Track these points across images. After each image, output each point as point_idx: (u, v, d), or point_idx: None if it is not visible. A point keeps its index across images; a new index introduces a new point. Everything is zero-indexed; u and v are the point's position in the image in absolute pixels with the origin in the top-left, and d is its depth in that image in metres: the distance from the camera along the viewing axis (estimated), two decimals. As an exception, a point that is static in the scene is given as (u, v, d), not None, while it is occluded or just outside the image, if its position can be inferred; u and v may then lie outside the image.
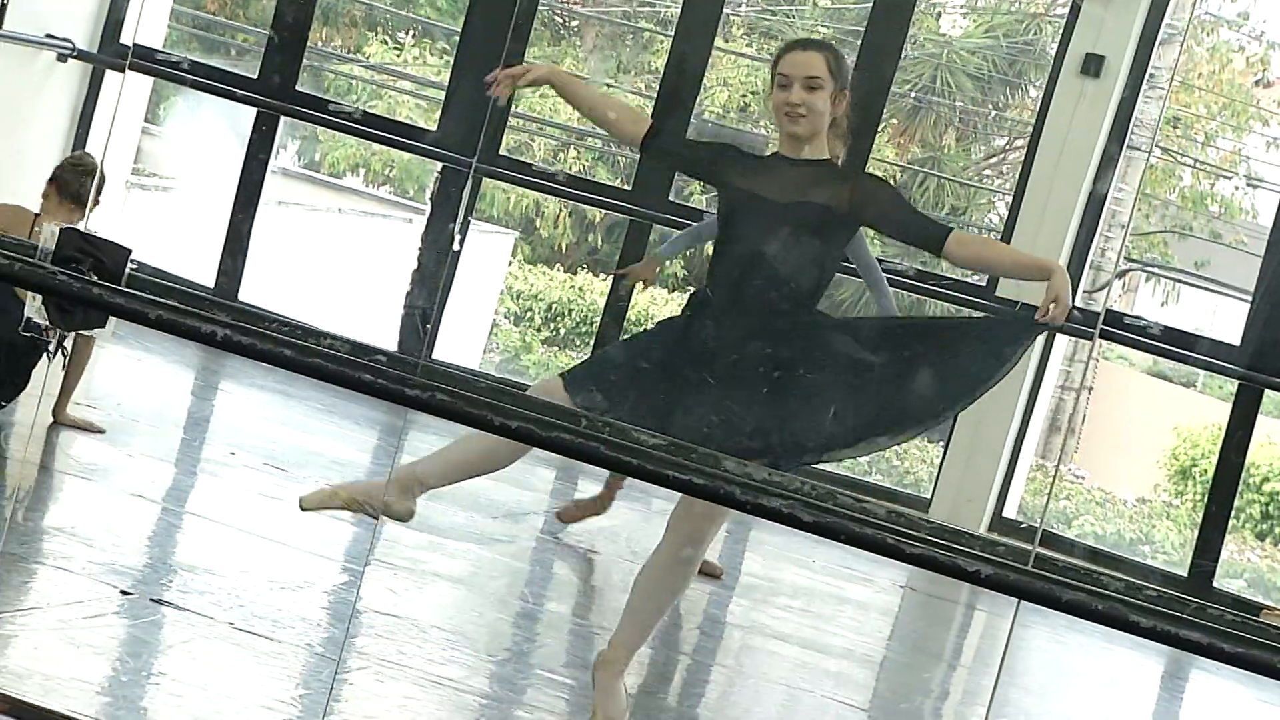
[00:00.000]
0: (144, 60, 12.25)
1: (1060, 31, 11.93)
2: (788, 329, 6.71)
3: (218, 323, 5.11)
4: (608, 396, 6.75)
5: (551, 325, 14.80)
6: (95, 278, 5.12)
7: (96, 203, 9.34)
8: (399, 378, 5.15)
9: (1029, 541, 7.45)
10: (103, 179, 9.37)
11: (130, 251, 5.23)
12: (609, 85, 18.06)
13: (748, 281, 6.70)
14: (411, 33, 18.20)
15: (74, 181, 9.19)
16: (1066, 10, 12.99)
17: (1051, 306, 6.39)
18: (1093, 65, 9.88)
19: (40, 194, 9.32)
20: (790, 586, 9.66)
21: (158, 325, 5.23)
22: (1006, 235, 10.47)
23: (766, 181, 6.71)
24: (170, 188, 13.42)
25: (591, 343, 12.37)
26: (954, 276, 11.57)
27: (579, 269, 16.73)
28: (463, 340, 13.65)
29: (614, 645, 6.86)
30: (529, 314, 15.26)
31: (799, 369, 6.65)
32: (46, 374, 8.91)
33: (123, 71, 12.17)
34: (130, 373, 11.16)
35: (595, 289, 14.95)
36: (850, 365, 6.78)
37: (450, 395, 5.02)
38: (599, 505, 9.73)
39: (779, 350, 6.64)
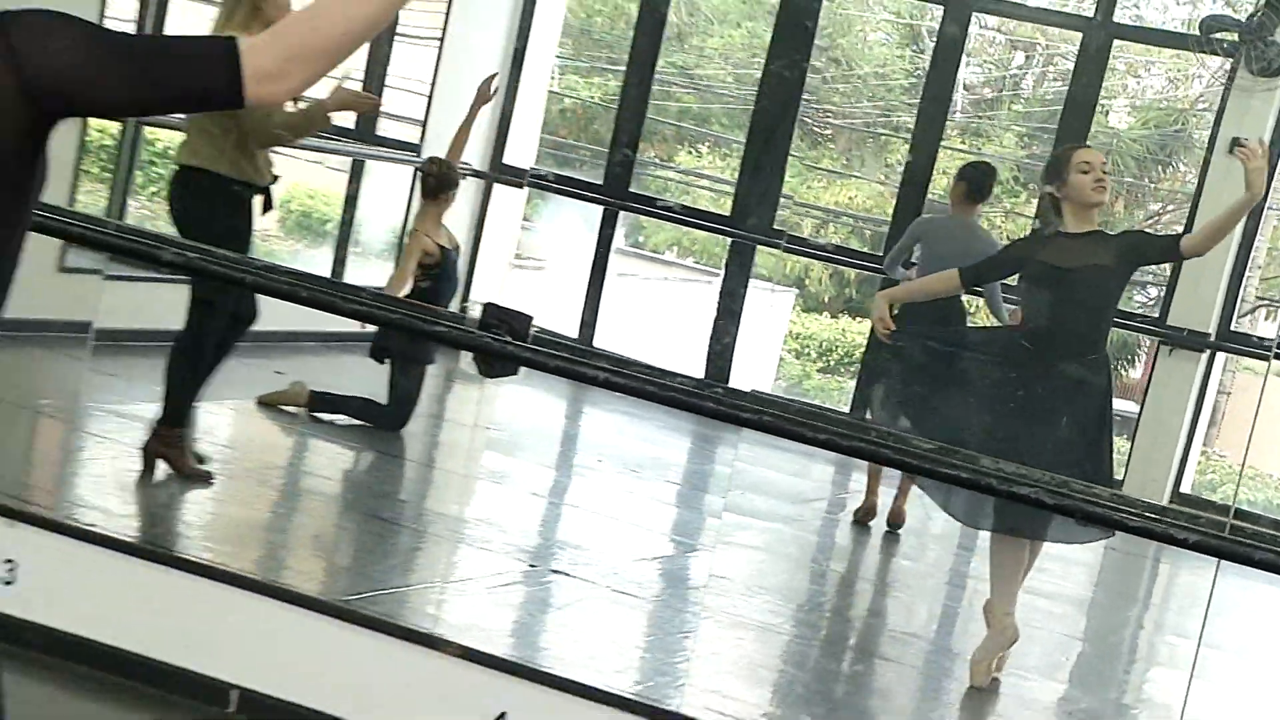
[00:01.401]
0: (514, 174, 12.49)
1: (1211, 120, 11.78)
2: (1073, 361, 6.90)
3: (600, 369, 5.18)
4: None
5: (824, 358, 14.76)
6: (510, 339, 5.21)
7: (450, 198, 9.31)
8: (734, 405, 5.18)
9: (1212, 512, 7.34)
10: (455, 179, 9.38)
11: (532, 318, 5.31)
12: (856, 176, 18.14)
13: (1051, 326, 6.91)
14: (707, 144, 18.27)
15: (430, 179, 9.23)
16: (1206, 107, 12.76)
17: None
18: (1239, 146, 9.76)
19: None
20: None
21: (557, 372, 5.32)
22: (1173, 279, 10.37)
23: (1060, 252, 6.84)
24: (542, 267, 13.57)
25: (857, 370, 12.29)
26: (1127, 309, 11.41)
27: (840, 315, 16.79)
28: (756, 373, 13.62)
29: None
30: (806, 350, 15.22)
31: (1095, 394, 6.80)
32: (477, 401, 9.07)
33: (507, 185, 12.41)
34: (520, 403, 11.34)
35: (854, 329, 14.87)
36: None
37: (775, 416, 5.06)
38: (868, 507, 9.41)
39: (1064, 381, 6.83)
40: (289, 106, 7.22)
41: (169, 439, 7.37)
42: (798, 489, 10.40)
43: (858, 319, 14.49)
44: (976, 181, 8.80)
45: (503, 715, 5.46)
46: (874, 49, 15.07)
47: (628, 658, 6.84)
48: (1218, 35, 9.88)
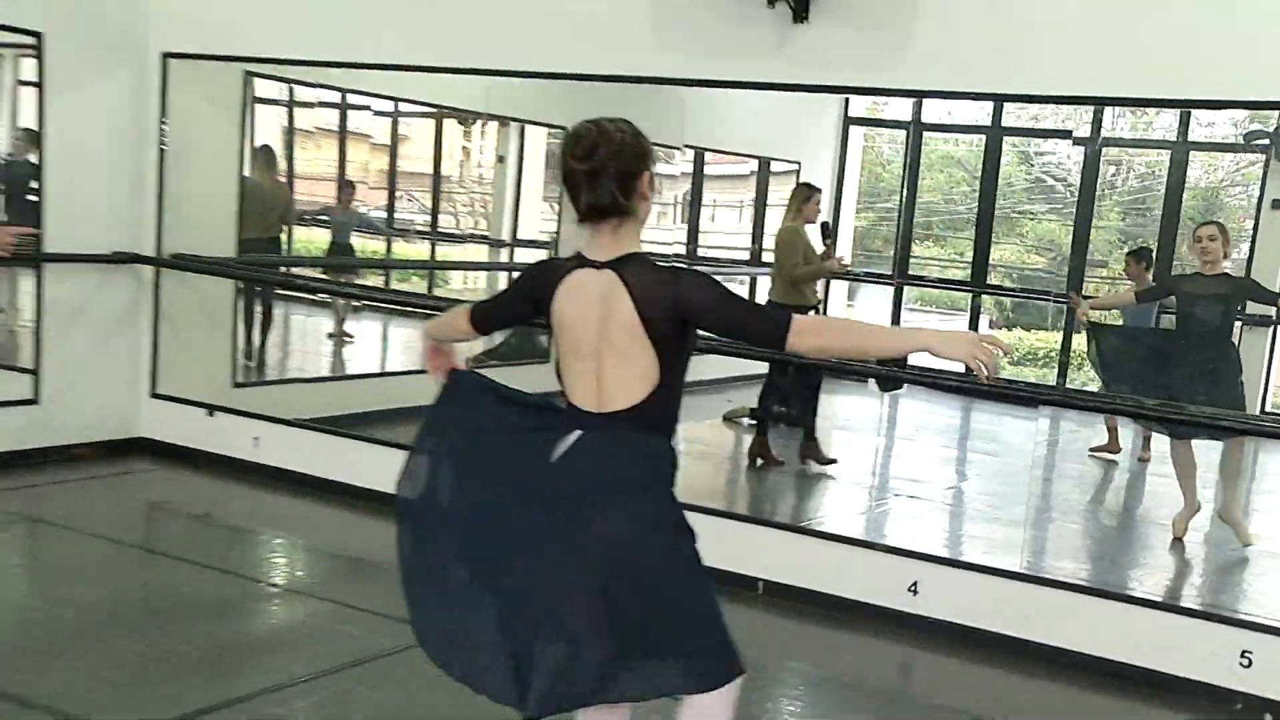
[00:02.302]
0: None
1: (1234, 194, 11.35)
2: (1212, 348, 6.72)
3: (951, 381, 5.30)
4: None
5: (1022, 362, 14.22)
6: (898, 368, 5.35)
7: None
8: (1035, 391, 5.19)
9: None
10: None
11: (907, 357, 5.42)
12: (1008, 243, 17.63)
13: (1194, 328, 6.72)
14: (931, 239, 17.96)
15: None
16: (1229, 184, 12.32)
17: None
18: (1278, 204, 9.33)
19: None
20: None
21: (930, 385, 5.48)
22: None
23: (1197, 286, 6.71)
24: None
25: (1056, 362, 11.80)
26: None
27: (1014, 328, 16.15)
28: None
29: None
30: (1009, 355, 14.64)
31: (1231, 363, 6.70)
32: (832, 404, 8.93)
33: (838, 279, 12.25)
34: (852, 402, 10.73)
35: (1028, 337, 14.22)
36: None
37: (1063, 395, 5.09)
38: (1113, 446, 8.87)
39: (1207, 355, 6.68)
40: (803, 266, 7.70)
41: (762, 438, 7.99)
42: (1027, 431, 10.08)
43: (1030, 330, 14.11)
44: (1148, 258, 8.62)
45: (914, 584, 5.55)
46: (1012, 169, 14.81)
47: (963, 544, 6.91)
48: (1256, 141, 9.61)
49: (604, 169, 2.88)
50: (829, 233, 7.93)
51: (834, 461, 8.08)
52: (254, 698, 4.28)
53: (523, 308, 3.08)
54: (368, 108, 9.41)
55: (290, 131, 9.12)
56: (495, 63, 6.40)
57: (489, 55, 6.39)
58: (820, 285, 8.38)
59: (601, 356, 2.92)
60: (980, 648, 5.35)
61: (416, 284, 10.29)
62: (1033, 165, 15.04)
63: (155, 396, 7.52)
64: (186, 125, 7.36)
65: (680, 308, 2.86)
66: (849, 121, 11.63)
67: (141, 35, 7.21)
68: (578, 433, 2.93)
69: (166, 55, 7.26)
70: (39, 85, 6.86)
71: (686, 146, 10.05)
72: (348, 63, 6.87)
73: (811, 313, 7.74)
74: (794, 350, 2.84)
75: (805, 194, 7.82)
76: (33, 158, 7.24)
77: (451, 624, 2.99)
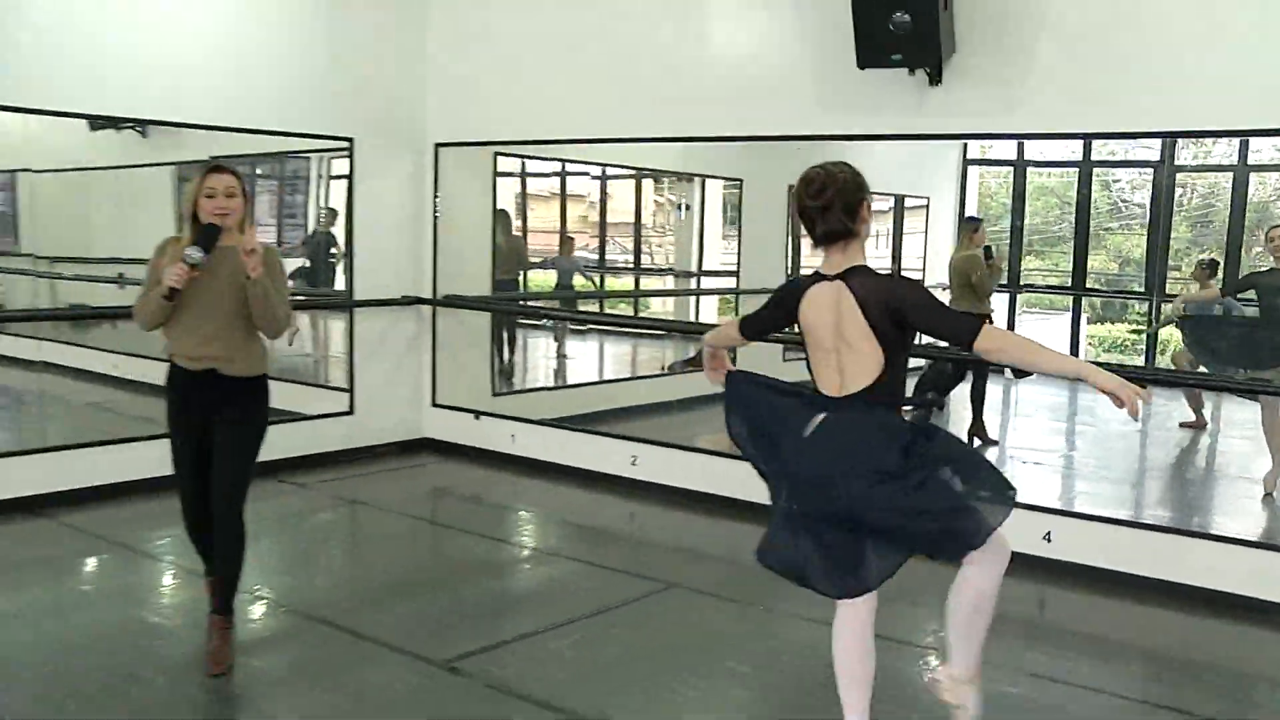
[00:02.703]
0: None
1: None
2: None
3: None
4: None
5: (1113, 349, 13.62)
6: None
7: None
8: (1140, 374, 4.94)
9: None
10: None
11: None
12: (1096, 254, 16.81)
13: (1274, 313, 6.30)
14: (1033, 253, 17.33)
15: None
16: (1277, 199, 11.54)
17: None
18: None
19: None
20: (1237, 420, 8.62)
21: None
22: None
23: (1273, 278, 6.30)
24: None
25: (1144, 349, 11.27)
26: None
27: (1106, 322, 15.49)
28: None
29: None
30: (1103, 344, 14.05)
31: None
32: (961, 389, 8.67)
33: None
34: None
35: (1115, 330, 13.57)
36: None
37: (1167, 375, 4.80)
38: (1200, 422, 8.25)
39: None
40: (973, 278, 7.50)
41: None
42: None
43: (1115, 323, 13.45)
44: (1213, 267, 8.20)
45: (1048, 533, 5.31)
46: (1097, 194, 14.15)
47: (1082, 499, 6.62)
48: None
49: (833, 204, 2.94)
50: (991, 255, 7.90)
51: (995, 442, 7.81)
52: (528, 637, 4.34)
53: (779, 318, 3.16)
54: (585, 174, 9.60)
55: (523, 196, 9.35)
56: (685, 131, 6.42)
57: (680, 125, 6.41)
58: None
59: (839, 351, 2.97)
60: (1106, 584, 5.14)
61: (624, 309, 10.43)
62: (1110, 191, 14.43)
63: (435, 405, 7.74)
64: (452, 197, 7.59)
65: (894, 306, 2.88)
66: (967, 163, 11.35)
67: (421, 132, 7.46)
68: (823, 414, 2.98)
69: (438, 145, 7.50)
70: (349, 177, 7.17)
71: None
72: (570, 139, 6.99)
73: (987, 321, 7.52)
74: (978, 350, 2.79)
75: (973, 226, 7.87)
76: (333, 229, 7.60)
77: (789, 545, 3.03)
